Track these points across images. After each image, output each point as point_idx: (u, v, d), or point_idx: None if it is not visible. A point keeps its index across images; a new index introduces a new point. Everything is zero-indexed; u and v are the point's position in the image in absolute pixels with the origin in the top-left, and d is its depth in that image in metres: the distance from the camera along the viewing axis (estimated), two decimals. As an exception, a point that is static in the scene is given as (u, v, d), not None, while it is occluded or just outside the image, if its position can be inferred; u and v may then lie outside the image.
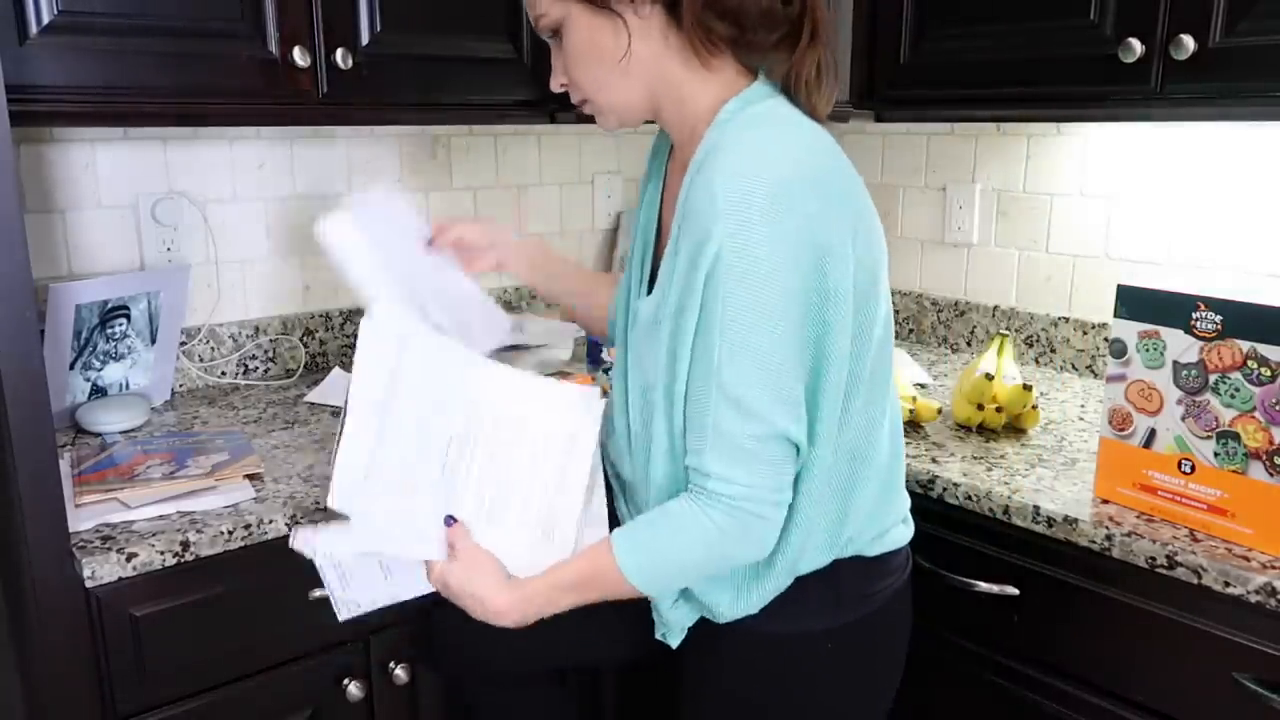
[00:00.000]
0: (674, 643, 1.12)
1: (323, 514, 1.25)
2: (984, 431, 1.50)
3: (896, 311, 2.12)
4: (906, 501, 1.15)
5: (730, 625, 1.06)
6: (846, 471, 1.03)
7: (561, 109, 1.72)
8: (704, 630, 1.10)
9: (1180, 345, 1.14)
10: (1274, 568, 1.06)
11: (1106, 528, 1.16)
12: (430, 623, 1.33)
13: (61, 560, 1.09)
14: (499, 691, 1.35)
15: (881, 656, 1.13)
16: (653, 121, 1.08)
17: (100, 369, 1.57)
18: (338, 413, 1.40)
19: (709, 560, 0.98)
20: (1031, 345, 1.90)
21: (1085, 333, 1.81)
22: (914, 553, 1.34)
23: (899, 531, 1.12)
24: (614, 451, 1.14)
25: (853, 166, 1.00)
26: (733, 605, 1.04)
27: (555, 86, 1.08)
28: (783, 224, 0.89)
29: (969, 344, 2.01)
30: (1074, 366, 1.84)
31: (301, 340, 1.85)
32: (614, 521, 1.09)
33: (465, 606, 1.04)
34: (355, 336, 1.91)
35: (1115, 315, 1.19)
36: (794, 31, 1.00)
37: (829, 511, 1.02)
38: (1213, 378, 1.11)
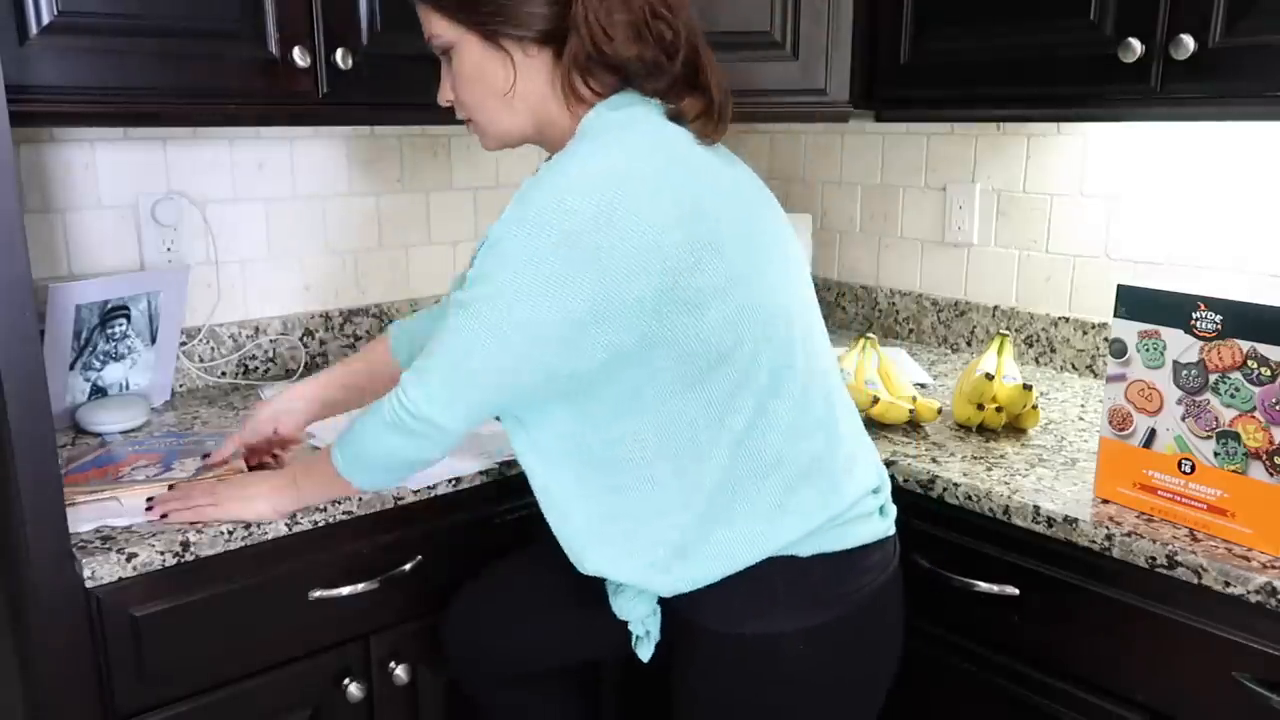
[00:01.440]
0: (644, 654, 1.14)
1: (323, 513, 1.25)
2: (984, 431, 1.50)
3: (897, 311, 2.12)
4: (861, 496, 1.09)
5: (706, 628, 1.07)
6: (729, 468, 1.02)
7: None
8: (684, 634, 1.10)
9: (1180, 345, 1.14)
10: (1274, 568, 1.06)
11: (1106, 528, 1.16)
12: (440, 623, 1.33)
13: (61, 560, 1.09)
14: (507, 691, 1.35)
15: (863, 656, 1.11)
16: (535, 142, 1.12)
17: (100, 369, 1.57)
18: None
19: (383, 444, 1.06)
20: (1031, 345, 1.90)
21: (1085, 333, 1.81)
22: (914, 552, 1.34)
23: (857, 528, 1.07)
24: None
25: (710, 169, 1.02)
26: (666, 583, 1.06)
27: (441, 101, 1.13)
28: (539, 245, 0.93)
29: (969, 344, 2.01)
30: (1074, 366, 1.84)
31: (301, 340, 1.85)
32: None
33: (219, 506, 1.17)
34: (355, 337, 1.92)
35: (1115, 315, 1.19)
36: (678, 81, 1.04)
37: (722, 505, 1.02)
38: (1213, 378, 1.11)
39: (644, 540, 1.05)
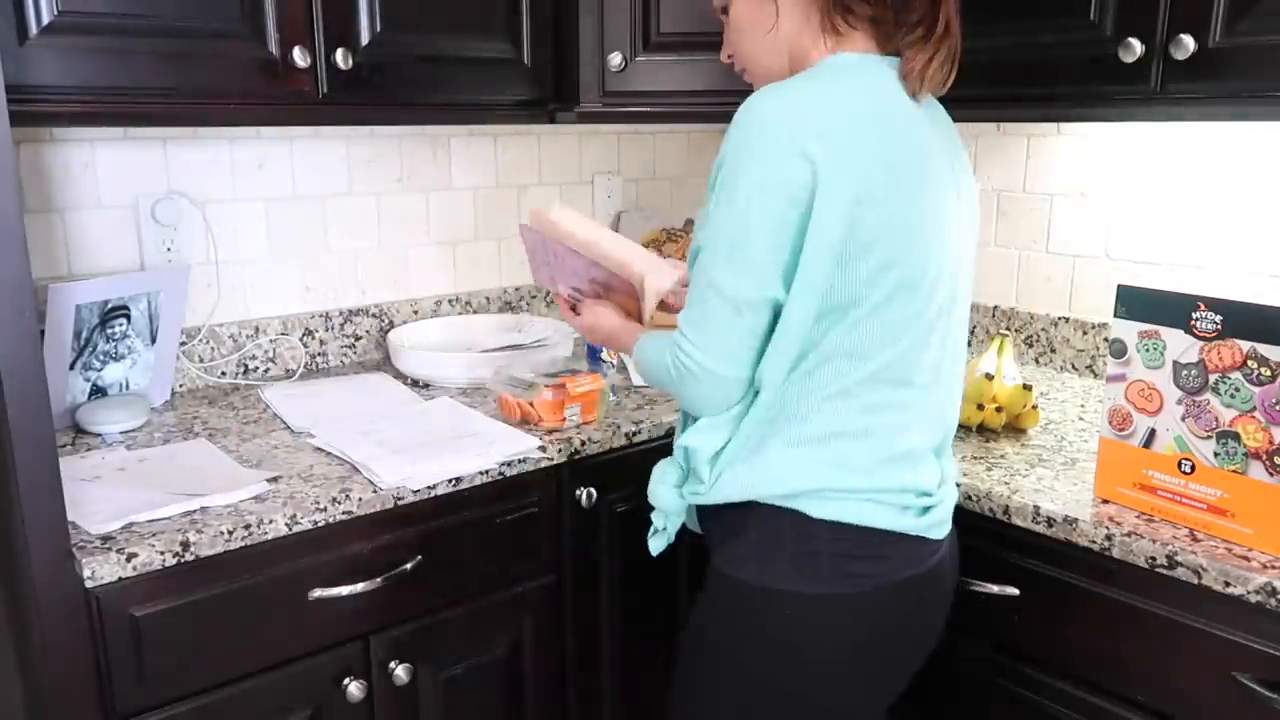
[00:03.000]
0: (654, 547, 1.22)
1: (323, 513, 1.25)
2: (984, 431, 1.50)
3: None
4: (903, 488, 1.08)
5: (716, 569, 1.12)
6: (776, 404, 1.06)
7: (561, 109, 1.73)
8: (708, 574, 1.15)
9: (1180, 345, 1.14)
10: (1274, 568, 1.06)
11: (1106, 528, 1.16)
12: None
13: (61, 560, 1.09)
14: None
15: (862, 647, 1.08)
16: None
17: (100, 369, 1.57)
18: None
19: (670, 386, 1.11)
20: (1031, 345, 1.90)
21: (1085, 333, 1.81)
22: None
23: (884, 512, 1.07)
24: None
25: (913, 134, 1.04)
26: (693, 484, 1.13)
27: (723, 58, 1.22)
28: (778, 135, 0.98)
29: (969, 344, 2.01)
30: (1074, 366, 1.84)
31: (301, 340, 1.85)
32: None
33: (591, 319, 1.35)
34: (355, 337, 1.92)
35: (1115, 315, 1.19)
36: (927, 19, 1.06)
37: (750, 434, 1.08)
38: (1213, 378, 1.11)
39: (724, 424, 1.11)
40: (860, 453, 1.06)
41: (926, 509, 1.10)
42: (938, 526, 1.11)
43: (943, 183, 1.06)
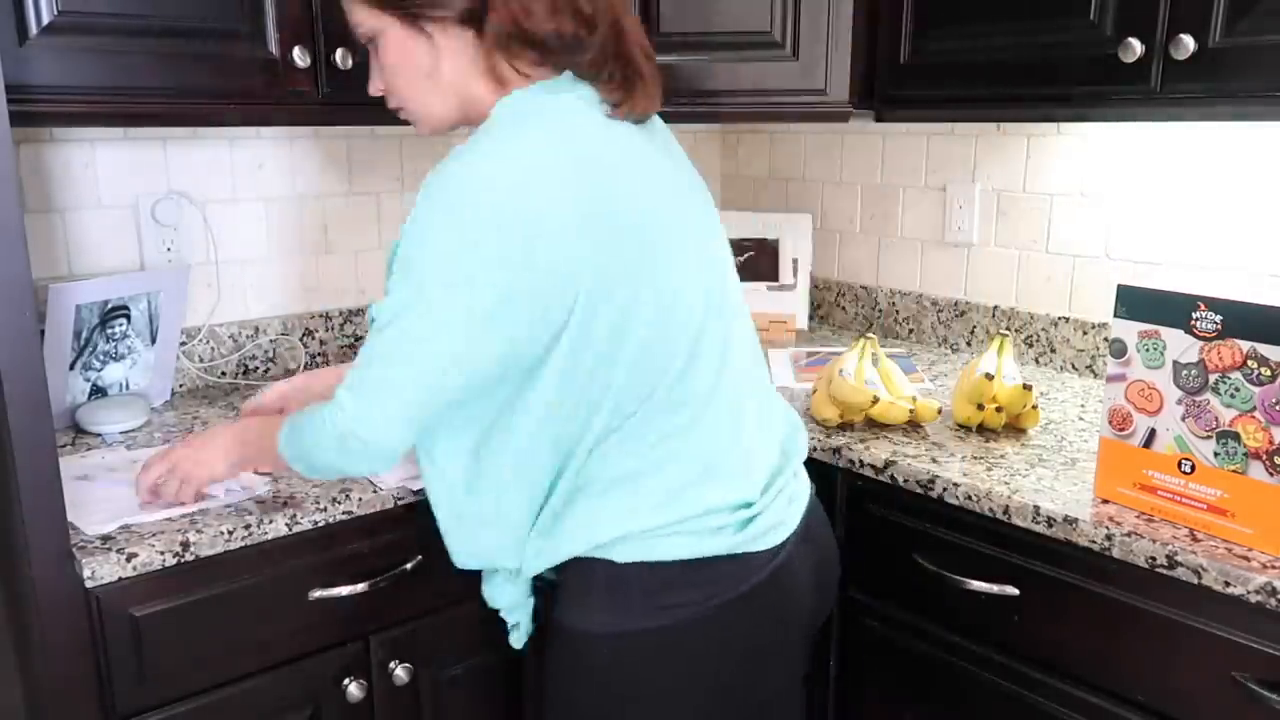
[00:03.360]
0: (515, 642, 1.20)
1: (323, 513, 1.25)
2: (984, 431, 1.50)
3: (897, 311, 2.12)
4: (714, 509, 1.06)
5: (553, 622, 1.10)
6: (554, 459, 1.06)
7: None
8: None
9: (1180, 345, 1.14)
10: (1274, 568, 1.06)
11: (1106, 528, 1.16)
12: None
13: (61, 560, 1.09)
14: None
15: (682, 677, 1.05)
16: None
17: (100, 369, 1.57)
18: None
19: (335, 461, 1.04)
20: (1031, 345, 1.90)
21: (1085, 333, 1.81)
22: (914, 552, 1.34)
23: (691, 540, 1.04)
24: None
25: (622, 158, 1.02)
26: (517, 560, 1.11)
27: (373, 91, 1.14)
28: (486, 220, 0.94)
29: (969, 344, 2.01)
30: (1074, 366, 1.84)
31: (301, 340, 1.85)
32: None
33: (177, 469, 1.18)
34: (355, 337, 1.91)
35: (1115, 315, 1.19)
36: (602, 55, 1.04)
37: (520, 493, 1.07)
38: (1213, 378, 1.11)
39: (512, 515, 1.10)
40: (653, 488, 1.04)
41: (748, 521, 1.07)
42: (764, 535, 1.07)
43: (669, 205, 1.05)
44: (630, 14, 1.07)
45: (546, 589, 1.15)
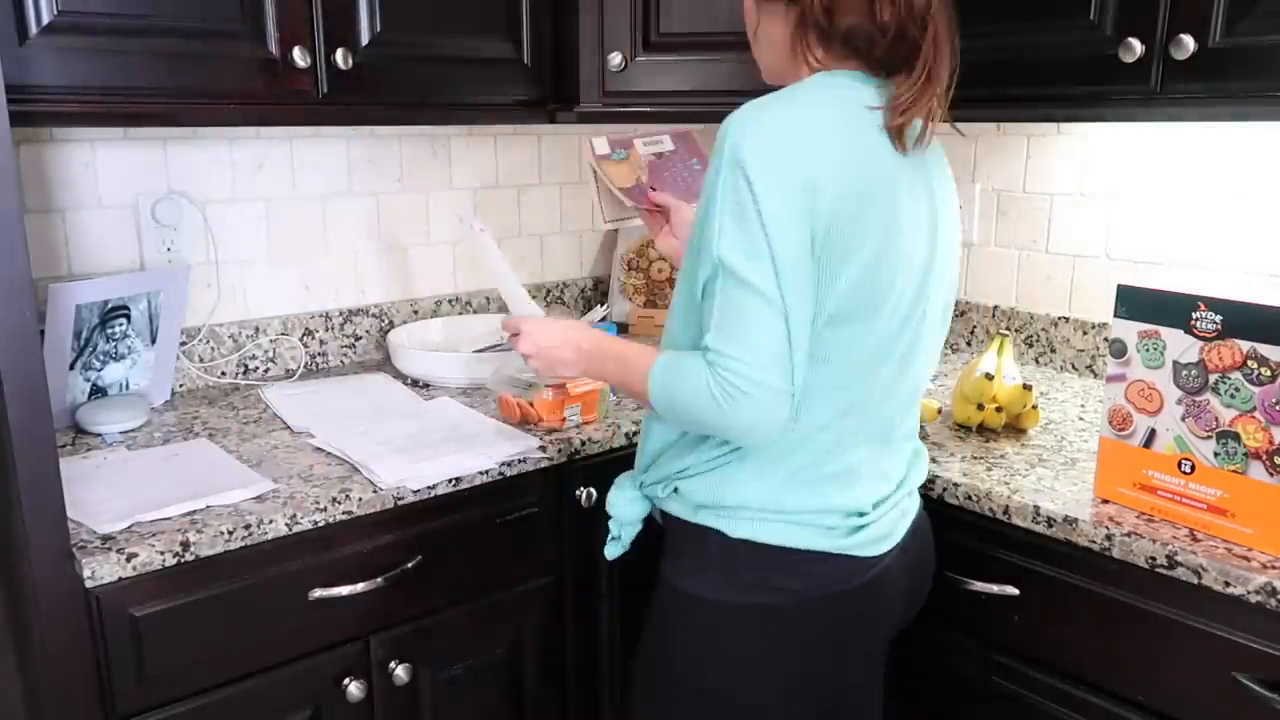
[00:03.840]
0: (610, 553, 1.24)
1: (323, 513, 1.25)
2: (984, 431, 1.50)
3: (896, 311, 2.12)
4: (830, 509, 1.08)
5: (662, 579, 1.16)
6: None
7: (561, 109, 1.73)
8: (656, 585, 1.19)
9: (1180, 345, 1.14)
10: (1274, 568, 1.06)
11: (1106, 528, 1.16)
12: None
13: (61, 560, 1.09)
14: None
15: (774, 655, 1.09)
16: None
17: (100, 369, 1.57)
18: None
19: (712, 420, 1.02)
20: (1031, 345, 1.90)
21: (1085, 333, 1.81)
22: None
23: (804, 532, 1.07)
24: None
25: (889, 166, 1.04)
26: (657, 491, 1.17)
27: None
28: (778, 146, 0.98)
29: (969, 344, 2.01)
30: (1074, 366, 1.84)
31: (301, 340, 1.85)
32: None
33: (546, 356, 1.23)
34: (355, 337, 1.92)
35: (1115, 315, 1.19)
36: (888, 56, 1.06)
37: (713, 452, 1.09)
38: (1213, 378, 1.11)
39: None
40: (794, 469, 1.08)
41: (858, 528, 1.09)
42: (873, 544, 1.09)
43: (902, 204, 1.06)
44: (948, 30, 1.07)
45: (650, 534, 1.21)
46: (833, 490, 1.09)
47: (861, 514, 1.10)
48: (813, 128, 1.00)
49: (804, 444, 1.07)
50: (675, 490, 1.14)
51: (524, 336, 1.25)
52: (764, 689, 1.10)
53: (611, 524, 1.24)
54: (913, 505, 1.20)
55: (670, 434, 1.16)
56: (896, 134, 1.04)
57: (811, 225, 0.98)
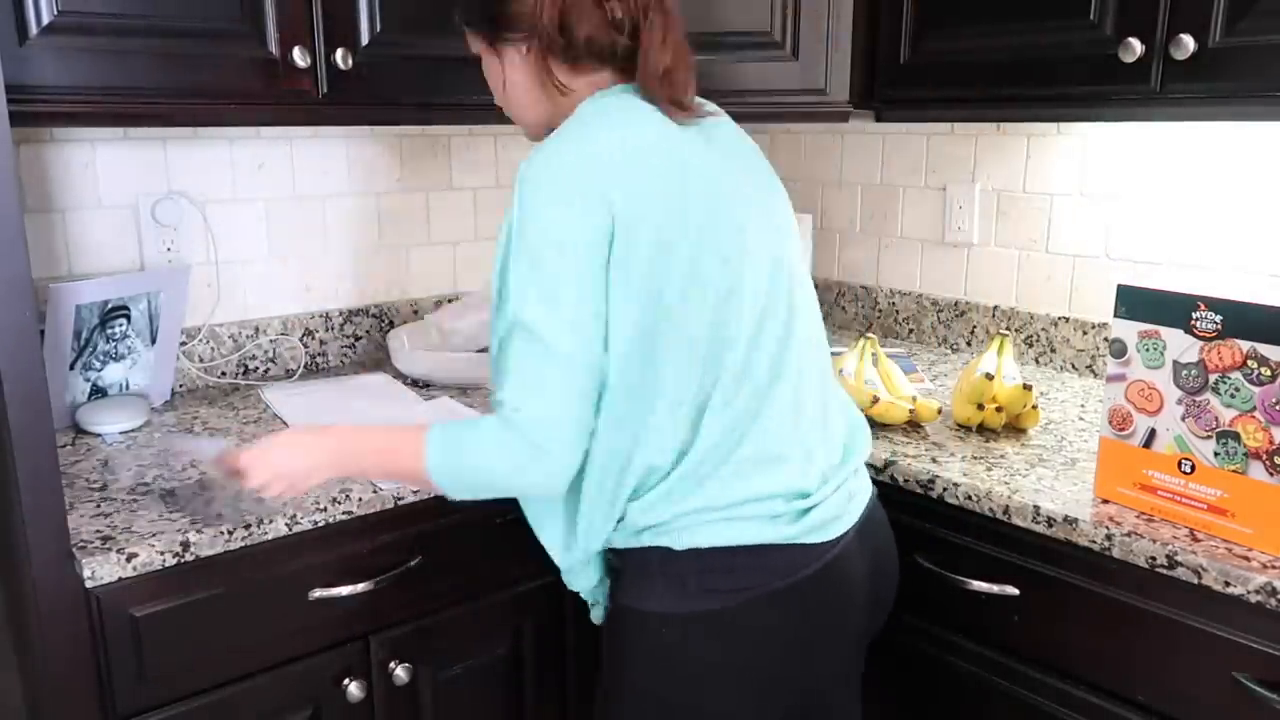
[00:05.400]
0: (596, 617, 1.21)
1: (323, 513, 1.25)
2: (984, 431, 1.50)
3: (897, 311, 2.12)
4: (768, 495, 1.07)
5: (615, 603, 1.14)
6: (622, 440, 1.05)
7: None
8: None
9: (1180, 345, 1.14)
10: (1274, 568, 1.06)
11: (1106, 528, 1.16)
12: None
13: (61, 560, 1.09)
14: None
15: (732, 659, 1.07)
16: None
17: (100, 369, 1.57)
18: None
19: (506, 477, 1.03)
20: (1031, 345, 1.90)
21: (1085, 333, 1.81)
22: (914, 552, 1.34)
23: (746, 526, 1.06)
24: None
25: (692, 151, 1.07)
26: (564, 554, 1.15)
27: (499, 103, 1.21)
28: (569, 186, 0.99)
29: (969, 344, 2.01)
30: (1074, 366, 1.84)
31: (301, 340, 1.85)
32: None
33: (271, 466, 1.09)
34: (355, 337, 1.91)
35: (1115, 315, 1.19)
36: (627, 53, 1.09)
37: (606, 481, 1.07)
38: (1213, 378, 1.11)
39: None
40: (713, 467, 1.06)
41: (805, 511, 1.08)
42: (821, 529, 1.08)
43: (735, 194, 1.09)
44: (666, 14, 1.10)
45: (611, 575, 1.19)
46: (764, 477, 1.07)
47: (806, 495, 1.08)
48: (613, 147, 1.01)
49: (717, 443, 1.06)
50: (619, 521, 1.10)
51: (250, 465, 1.08)
52: (729, 696, 1.08)
53: (585, 595, 1.21)
54: (862, 488, 1.18)
55: (565, 507, 1.12)
56: (675, 106, 1.09)
57: (609, 246, 0.99)
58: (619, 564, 1.14)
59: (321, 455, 1.10)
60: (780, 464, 1.08)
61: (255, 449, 1.10)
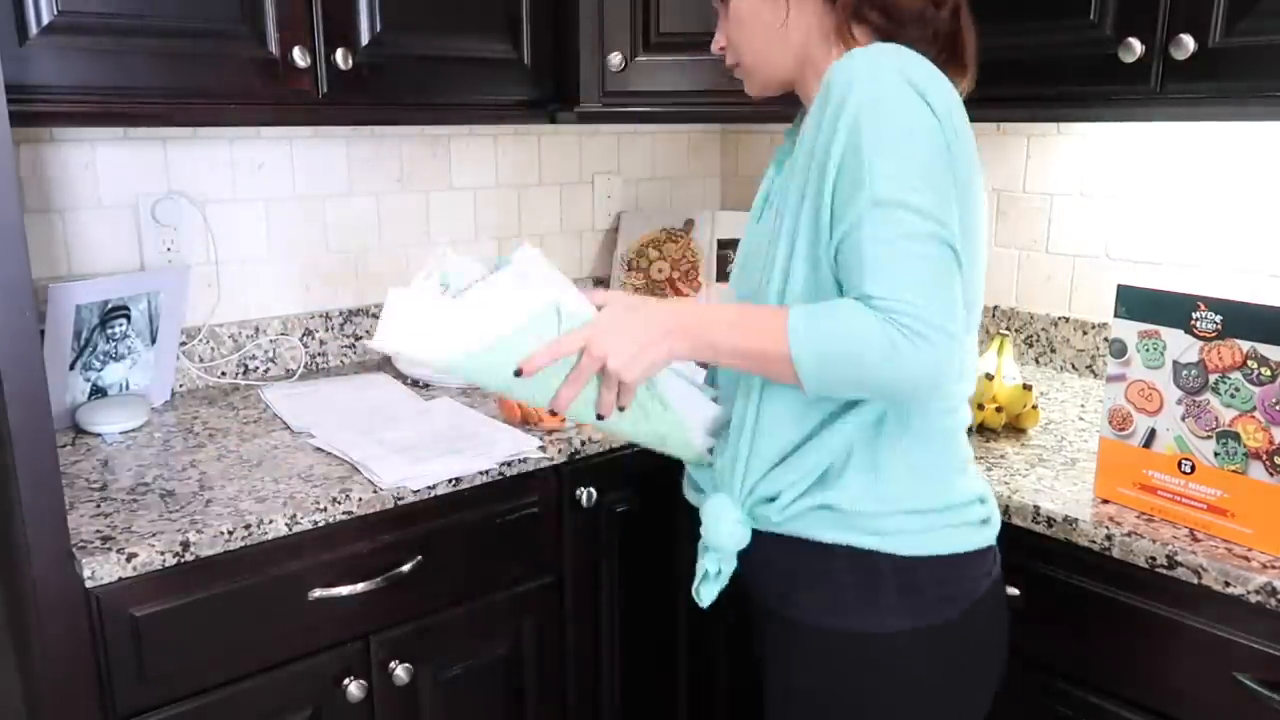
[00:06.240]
0: (707, 596, 1.06)
1: (323, 513, 1.25)
2: (984, 431, 1.50)
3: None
4: (970, 500, 1.03)
5: (805, 624, 1.02)
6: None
7: (561, 109, 1.73)
8: (780, 631, 1.06)
9: (1180, 345, 1.14)
10: (1274, 568, 1.06)
11: (1106, 528, 1.16)
12: None
13: (61, 560, 1.09)
14: None
15: (970, 667, 1.04)
16: (791, 93, 1.10)
17: (100, 369, 1.57)
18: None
19: (878, 362, 0.87)
20: (1031, 345, 1.90)
21: (1085, 333, 1.81)
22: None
23: (964, 533, 1.01)
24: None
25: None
26: (784, 508, 0.99)
27: (715, 49, 1.13)
28: (914, 90, 0.90)
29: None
30: (1074, 366, 1.84)
31: (301, 340, 1.85)
32: None
33: (621, 334, 0.94)
34: (355, 336, 1.91)
35: (1115, 315, 1.19)
36: (939, 41, 1.03)
37: (849, 447, 0.97)
38: (1213, 378, 1.11)
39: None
40: (937, 463, 1.01)
41: (985, 520, 1.05)
42: (992, 527, 1.07)
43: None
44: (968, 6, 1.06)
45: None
46: (969, 478, 1.03)
47: (984, 500, 1.05)
48: (925, 64, 0.94)
49: (947, 417, 0.99)
50: (823, 507, 0.98)
51: (592, 343, 0.94)
52: (975, 707, 1.07)
53: (708, 558, 1.06)
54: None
55: (793, 430, 0.99)
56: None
57: (949, 158, 0.92)
58: (797, 564, 1.01)
59: (670, 320, 0.95)
60: (971, 463, 1.06)
61: (592, 329, 0.94)
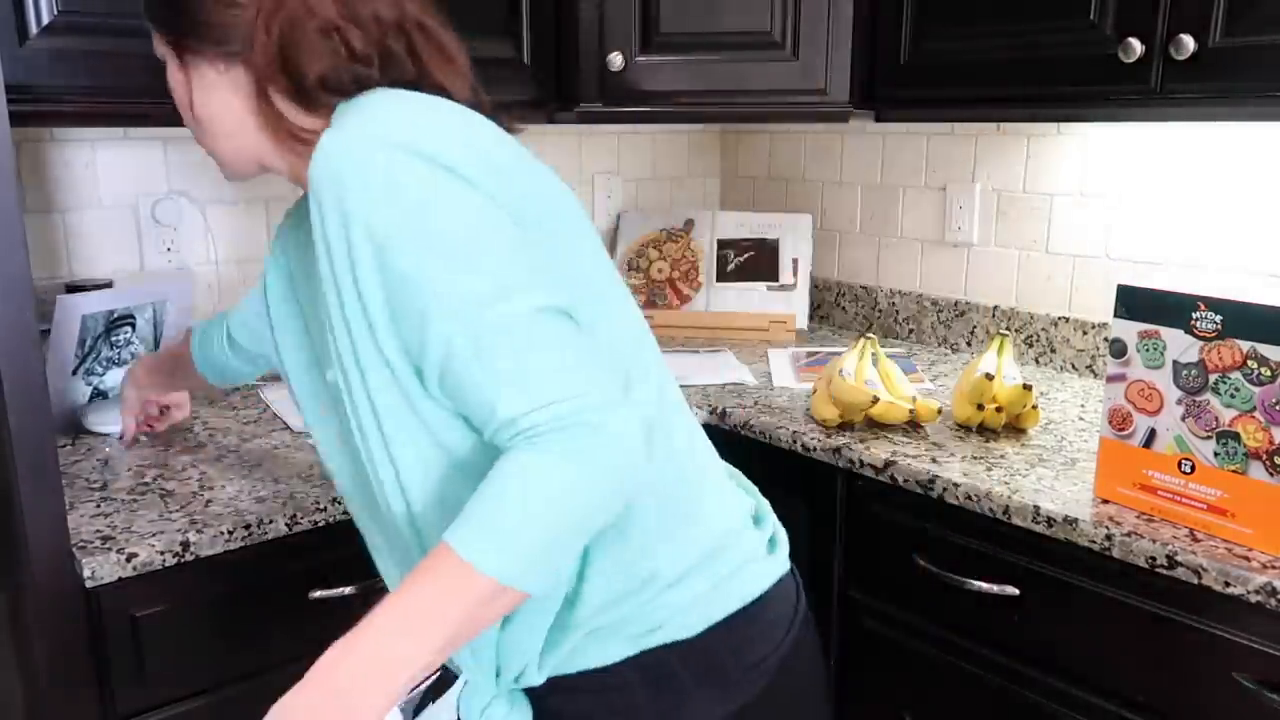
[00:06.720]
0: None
1: (323, 513, 1.25)
2: (984, 431, 1.50)
3: (897, 311, 2.12)
4: (741, 529, 0.91)
5: None
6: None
7: (561, 109, 1.73)
8: None
9: (1180, 345, 1.14)
10: (1274, 568, 1.06)
11: (1106, 528, 1.16)
12: None
13: (61, 560, 1.09)
14: None
15: None
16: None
17: (103, 374, 1.57)
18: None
19: (589, 491, 0.72)
20: (1031, 345, 1.90)
21: (1085, 333, 1.81)
22: (914, 552, 1.34)
23: (747, 576, 0.88)
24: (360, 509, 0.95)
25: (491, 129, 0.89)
26: (539, 664, 0.85)
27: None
28: (418, 161, 0.76)
29: (969, 344, 2.01)
30: (1074, 366, 1.84)
31: (301, 340, 1.85)
32: None
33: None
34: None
35: (1115, 315, 1.19)
36: (408, 75, 0.89)
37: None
38: (1213, 378, 1.11)
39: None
40: (676, 508, 0.86)
41: (771, 540, 0.94)
42: (781, 547, 0.96)
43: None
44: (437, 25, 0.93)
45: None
46: (730, 498, 0.92)
47: (758, 518, 0.95)
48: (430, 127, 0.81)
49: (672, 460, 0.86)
50: (579, 633, 0.83)
51: None
52: None
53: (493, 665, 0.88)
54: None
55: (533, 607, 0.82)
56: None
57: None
58: (603, 683, 0.85)
59: (326, 689, 0.83)
60: (728, 489, 0.95)
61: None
